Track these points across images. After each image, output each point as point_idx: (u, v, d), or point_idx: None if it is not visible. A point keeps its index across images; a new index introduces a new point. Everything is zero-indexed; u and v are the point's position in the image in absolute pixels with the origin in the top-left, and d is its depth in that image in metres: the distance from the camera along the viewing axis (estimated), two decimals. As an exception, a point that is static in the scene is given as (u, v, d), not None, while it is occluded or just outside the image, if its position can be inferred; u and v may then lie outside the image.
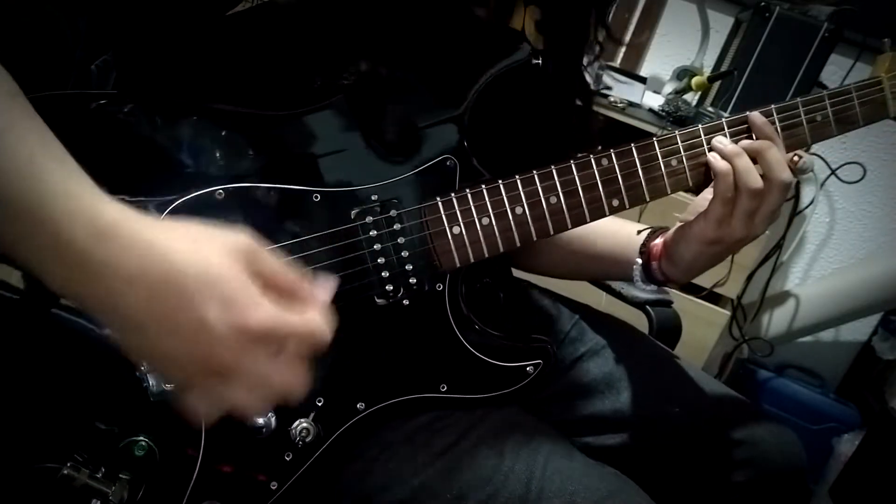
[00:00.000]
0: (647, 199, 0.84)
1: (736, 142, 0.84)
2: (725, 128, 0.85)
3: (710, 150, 0.84)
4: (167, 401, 0.70)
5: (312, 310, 0.56)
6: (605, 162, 0.81)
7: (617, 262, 0.99)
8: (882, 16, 2.10)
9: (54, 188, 0.50)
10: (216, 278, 0.51)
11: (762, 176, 0.82)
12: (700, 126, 0.84)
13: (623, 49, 2.36)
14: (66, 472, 0.65)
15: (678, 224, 0.91)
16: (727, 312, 2.14)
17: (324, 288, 0.59)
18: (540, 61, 0.80)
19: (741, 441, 0.92)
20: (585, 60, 0.97)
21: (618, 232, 1.01)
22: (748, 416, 0.95)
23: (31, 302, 0.65)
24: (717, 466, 0.92)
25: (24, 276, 0.65)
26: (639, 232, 0.97)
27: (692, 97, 2.24)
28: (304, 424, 0.74)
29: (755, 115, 0.85)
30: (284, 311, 0.54)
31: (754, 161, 0.82)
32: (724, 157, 0.82)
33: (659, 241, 0.94)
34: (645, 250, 0.94)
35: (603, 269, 1.05)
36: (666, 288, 0.99)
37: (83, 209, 0.50)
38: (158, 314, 0.51)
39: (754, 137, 0.85)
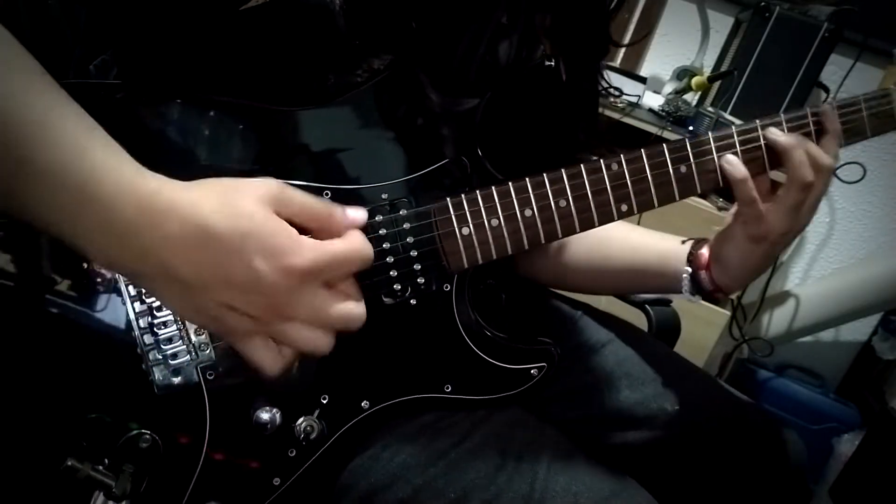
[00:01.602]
0: (656, 205, 0.84)
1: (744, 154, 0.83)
2: (735, 137, 0.84)
3: (765, 140, 0.83)
4: (173, 393, 0.70)
5: (350, 232, 0.61)
6: (615, 167, 0.81)
7: (660, 274, 0.97)
8: (882, 16, 2.10)
9: (100, 169, 0.52)
10: (256, 233, 0.55)
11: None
12: (711, 135, 0.83)
13: (623, 49, 2.36)
14: (69, 463, 0.66)
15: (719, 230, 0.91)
16: (727, 312, 2.14)
17: (356, 210, 0.62)
18: (553, 63, 0.80)
19: (741, 440, 0.92)
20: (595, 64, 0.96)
21: (651, 244, 1.00)
22: (748, 415, 0.95)
23: (24, 288, 0.65)
24: (718, 465, 0.92)
25: (14, 261, 0.65)
26: (683, 241, 0.96)
27: (692, 97, 2.24)
28: (309, 421, 0.75)
29: (826, 108, 0.84)
30: (324, 241, 0.58)
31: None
32: (782, 148, 0.81)
33: (704, 249, 0.92)
34: (692, 259, 0.93)
35: (641, 282, 1.02)
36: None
37: (125, 186, 0.53)
38: (210, 272, 0.55)
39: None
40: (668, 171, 0.82)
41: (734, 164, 0.82)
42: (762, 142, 0.83)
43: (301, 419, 0.75)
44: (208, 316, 0.58)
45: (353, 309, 0.60)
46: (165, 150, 0.70)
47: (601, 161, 0.81)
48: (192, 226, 0.54)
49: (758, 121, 0.84)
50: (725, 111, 2.03)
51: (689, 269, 0.93)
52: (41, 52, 0.75)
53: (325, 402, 0.76)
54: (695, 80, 2.14)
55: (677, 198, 0.84)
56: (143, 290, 0.69)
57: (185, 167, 0.68)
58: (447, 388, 0.81)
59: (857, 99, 0.88)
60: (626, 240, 1.02)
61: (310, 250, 0.57)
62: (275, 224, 0.56)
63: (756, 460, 0.91)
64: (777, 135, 0.82)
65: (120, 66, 0.77)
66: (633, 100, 2.12)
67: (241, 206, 0.55)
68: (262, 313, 0.57)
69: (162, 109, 0.70)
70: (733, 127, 0.84)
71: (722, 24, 2.39)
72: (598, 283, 1.08)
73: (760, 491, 0.92)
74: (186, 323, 0.70)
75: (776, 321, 2.50)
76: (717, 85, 2.15)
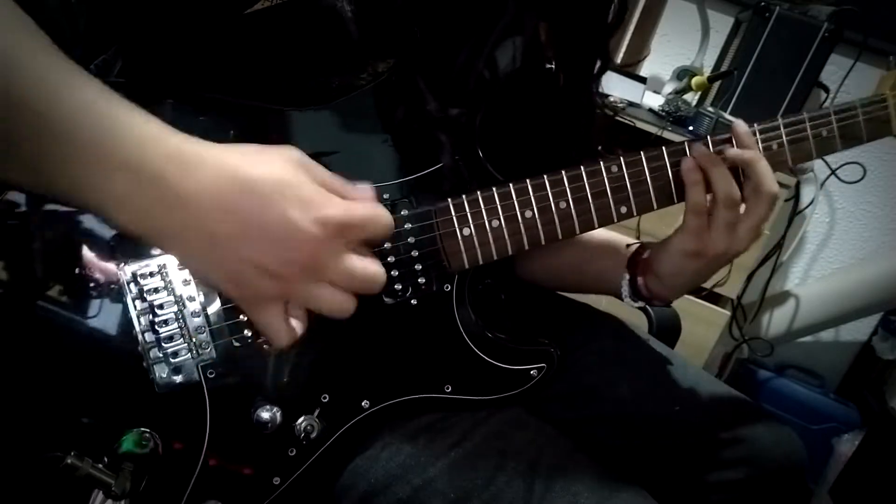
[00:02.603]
0: (655, 207, 0.84)
1: (720, 151, 0.82)
2: (734, 139, 0.84)
3: (690, 155, 0.83)
4: (173, 391, 0.70)
5: (371, 203, 0.62)
6: (614, 169, 0.81)
7: (606, 277, 0.98)
8: (882, 16, 2.10)
9: (121, 123, 0.52)
10: (288, 183, 0.56)
11: (749, 187, 0.81)
12: (710, 137, 0.84)
13: (623, 49, 2.36)
14: (69, 461, 0.65)
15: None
16: (727, 312, 2.14)
17: (369, 189, 0.63)
18: (553, 66, 0.80)
19: (742, 439, 0.92)
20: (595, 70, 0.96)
21: (609, 245, 1.01)
22: (749, 415, 0.95)
23: (25, 287, 0.65)
24: (718, 465, 0.92)
25: (5, 268, 0.65)
26: (628, 246, 0.97)
27: (692, 97, 2.24)
28: (309, 420, 0.75)
29: (738, 124, 0.83)
30: (352, 201, 0.60)
31: (735, 172, 0.81)
32: (702, 164, 0.81)
33: (646, 255, 0.93)
34: (632, 264, 0.94)
35: (594, 284, 1.04)
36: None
37: (150, 137, 0.53)
38: (243, 225, 0.55)
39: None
40: (668, 173, 0.83)
41: (692, 166, 0.82)
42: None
43: (301, 418, 0.75)
44: (230, 274, 0.58)
45: (378, 270, 0.61)
46: None
47: (601, 163, 0.81)
48: (226, 175, 0.54)
49: (709, 136, 0.84)
50: (725, 111, 2.03)
51: (628, 275, 0.94)
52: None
53: (325, 401, 0.76)
54: (695, 80, 2.14)
55: (676, 200, 0.84)
56: (144, 288, 0.69)
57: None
58: (447, 388, 0.81)
59: (854, 104, 0.88)
60: (587, 240, 1.03)
61: (340, 204, 0.58)
62: (306, 178, 0.57)
63: (756, 459, 0.91)
64: (697, 151, 0.82)
65: (124, 67, 0.77)
66: (624, 97, 2.12)
67: (271, 161, 0.56)
68: (293, 270, 0.57)
69: (161, 110, 0.69)
70: (708, 137, 0.84)
71: (722, 24, 2.39)
72: (558, 281, 1.10)
73: (760, 489, 0.92)
74: (188, 321, 0.70)
75: (776, 321, 2.50)
76: (717, 85, 2.15)
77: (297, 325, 0.61)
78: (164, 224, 0.55)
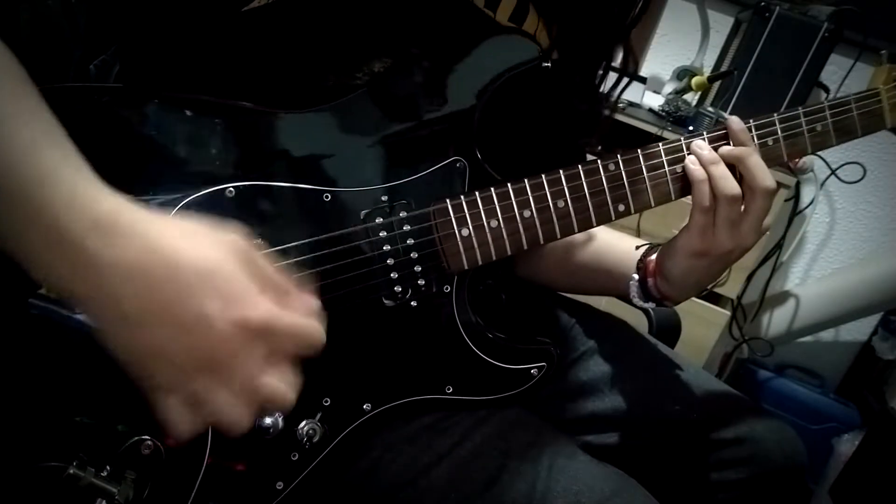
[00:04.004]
0: (653, 205, 0.85)
1: (716, 148, 0.83)
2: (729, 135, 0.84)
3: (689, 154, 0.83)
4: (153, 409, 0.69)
5: (306, 312, 0.56)
6: (612, 167, 0.82)
7: (615, 277, 0.98)
8: (882, 16, 2.10)
9: (53, 175, 0.49)
10: (215, 273, 0.51)
11: (744, 184, 0.81)
12: (705, 133, 0.84)
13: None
14: (71, 471, 0.65)
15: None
16: (727, 312, 2.14)
17: (312, 294, 0.58)
18: (549, 64, 0.80)
19: (741, 438, 0.92)
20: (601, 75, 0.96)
21: (616, 246, 1.00)
22: (748, 414, 0.95)
23: (21, 294, 0.64)
24: (718, 464, 0.92)
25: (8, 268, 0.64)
26: (637, 247, 0.96)
27: (692, 97, 2.24)
28: (311, 425, 0.74)
29: (733, 120, 0.83)
30: (283, 309, 0.54)
31: (733, 168, 0.81)
32: (701, 163, 0.82)
33: (654, 256, 0.93)
34: (642, 266, 0.94)
35: (601, 285, 1.03)
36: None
37: (81, 198, 0.49)
38: (156, 307, 0.50)
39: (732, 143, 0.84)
40: (665, 171, 0.83)
41: (697, 164, 0.82)
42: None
43: (303, 423, 0.74)
44: (131, 353, 0.53)
45: (284, 389, 0.55)
46: (158, 154, 0.69)
47: (598, 162, 0.81)
48: (153, 252, 0.50)
49: (705, 132, 0.85)
50: (725, 111, 2.02)
51: (637, 277, 0.94)
52: (40, 52, 0.75)
53: (326, 404, 0.76)
54: (695, 80, 2.14)
55: (673, 197, 0.84)
56: None
57: (179, 171, 0.69)
58: (448, 389, 0.81)
59: (848, 98, 0.89)
60: (591, 241, 1.02)
61: (264, 308, 0.53)
62: (238, 274, 0.53)
63: (756, 458, 0.92)
64: (698, 149, 0.83)
65: (122, 67, 0.77)
66: (624, 97, 2.11)
67: (208, 247, 0.52)
68: (195, 365, 0.52)
69: (162, 113, 0.69)
70: (704, 133, 0.85)
71: (722, 24, 2.39)
72: (561, 281, 1.09)
73: (760, 488, 0.92)
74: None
75: (776, 321, 2.50)
76: (717, 85, 2.15)
77: (193, 423, 0.54)
78: (71, 288, 0.51)
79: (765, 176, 0.80)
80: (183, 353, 0.51)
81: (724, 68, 2.21)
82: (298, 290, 0.57)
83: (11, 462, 0.65)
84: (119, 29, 0.76)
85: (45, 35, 0.79)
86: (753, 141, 0.83)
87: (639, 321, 1.11)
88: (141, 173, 0.67)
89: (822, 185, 2.41)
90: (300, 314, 0.56)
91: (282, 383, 0.55)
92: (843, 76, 2.14)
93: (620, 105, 1.97)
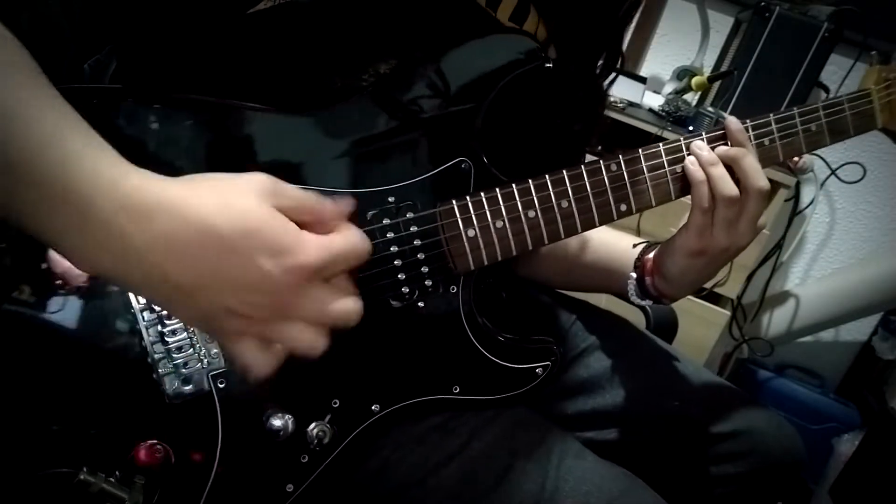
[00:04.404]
0: (654, 204, 0.85)
1: (713, 148, 0.84)
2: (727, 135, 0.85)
3: (689, 155, 0.84)
4: (184, 402, 0.70)
5: (345, 226, 0.58)
6: (614, 167, 0.82)
7: (614, 275, 0.99)
8: (882, 16, 2.10)
9: (77, 157, 0.49)
10: (256, 228, 0.52)
11: (739, 184, 0.82)
12: (704, 134, 0.85)
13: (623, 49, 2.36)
14: (82, 477, 0.65)
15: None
16: (727, 312, 2.14)
17: (345, 203, 0.59)
18: (551, 65, 0.80)
19: (740, 432, 0.93)
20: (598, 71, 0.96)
21: (614, 245, 1.01)
22: (746, 408, 0.96)
23: (33, 302, 0.64)
24: (717, 458, 0.93)
25: (9, 280, 0.64)
26: (634, 246, 0.97)
27: (692, 97, 2.24)
28: (320, 426, 0.74)
29: (731, 121, 0.85)
30: (327, 237, 0.55)
31: (730, 168, 0.82)
32: (700, 164, 0.83)
33: (651, 255, 0.94)
34: (640, 265, 0.94)
35: (599, 283, 1.05)
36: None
37: (105, 179, 0.49)
38: (208, 273, 0.51)
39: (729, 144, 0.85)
40: (665, 171, 0.84)
41: (696, 165, 0.83)
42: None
43: (313, 424, 0.74)
44: (198, 315, 0.54)
45: (352, 306, 0.57)
46: (163, 157, 0.68)
47: (601, 162, 0.82)
48: (187, 224, 0.50)
49: (703, 133, 0.85)
50: (725, 111, 2.03)
51: (635, 275, 0.95)
52: (40, 51, 0.75)
53: (336, 406, 0.76)
54: (695, 80, 2.14)
55: (673, 197, 0.85)
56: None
57: (184, 174, 0.68)
58: (455, 389, 0.81)
59: (841, 99, 0.90)
60: (590, 239, 1.03)
61: (315, 247, 0.54)
62: (278, 221, 0.53)
63: (755, 451, 0.93)
64: (699, 150, 0.84)
65: (122, 67, 0.77)
66: (624, 97, 2.12)
67: (240, 202, 0.52)
68: (263, 313, 0.54)
69: (158, 115, 0.68)
70: (703, 133, 0.85)
71: (722, 24, 2.39)
72: (560, 279, 1.10)
73: (759, 480, 0.93)
74: (197, 331, 0.70)
75: (776, 321, 2.50)
76: (717, 85, 2.15)
77: (279, 352, 0.57)
78: (117, 272, 0.51)
79: (758, 177, 0.82)
80: (247, 306, 0.53)
81: (724, 68, 2.21)
82: (332, 206, 0.58)
83: (22, 469, 0.65)
84: (119, 29, 0.76)
85: (46, 36, 0.79)
86: (751, 141, 0.84)
87: (636, 319, 1.12)
88: None
89: (822, 185, 2.41)
90: (343, 232, 0.57)
91: (348, 300, 0.57)
92: (843, 76, 2.14)
93: (620, 105, 1.98)
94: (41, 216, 0.49)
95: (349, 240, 0.57)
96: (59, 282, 0.65)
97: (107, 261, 0.50)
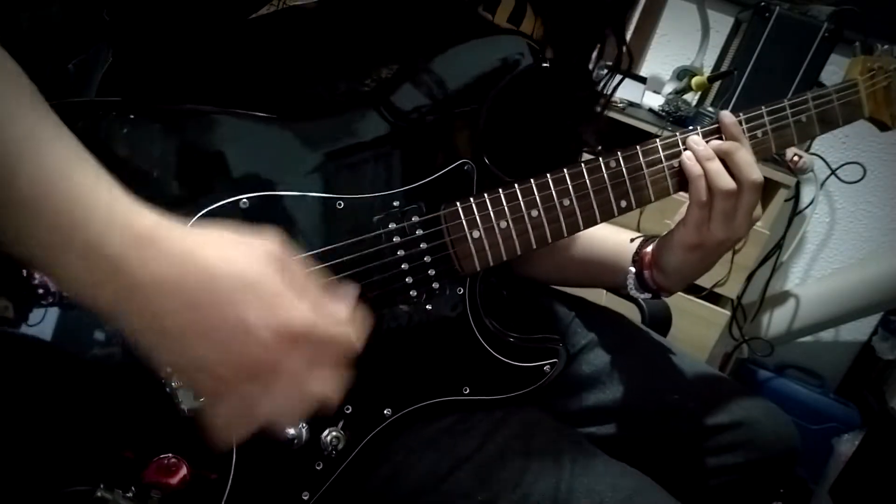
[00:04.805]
0: (653, 199, 0.87)
1: (707, 142, 0.85)
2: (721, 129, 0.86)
3: (686, 150, 0.85)
4: (199, 417, 0.69)
5: (341, 319, 0.56)
6: (613, 164, 0.83)
7: (611, 270, 1.00)
8: (882, 16, 2.11)
9: (89, 195, 0.49)
10: (255, 282, 0.52)
11: (734, 178, 0.83)
12: (699, 129, 0.86)
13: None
14: (99, 494, 0.64)
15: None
16: (727, 312, 2.14)
17: (348, 296, 0.58)
18: (548, 65, 0.81)
19: (738, 422, 0.94)
20: (593, 66, 0.97)
21: (608, 240, 1.02)
22: (743, 398, 0.97)
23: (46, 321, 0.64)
24: (716, 449, 0.94)
25: (23, 297, 0.63)
26: (632, 240, 0.98)
27: (692, 97, 2.24)
28: (334, 433, 0.74)
29: (725, 115, 0.86)
30: (324, 314, 0.54)
31: (724, 162, 0.83)
32: (697, 159, 0.83)
33: (649, 248, 0.94)
34: (638, 258, 0.95)
35: (595, 278, 1.06)
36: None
37: (120, 216, 0.49)
38: (196, 321, 0.50)
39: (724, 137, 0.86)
40: (663, 166, 0.85)
41: (693, 160, 0.84)
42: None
43: (327, 431, 0.74)
44: (179, 369, 0.55)
45: (329, 392, 0.55)
46: (169, 167, 0.68)
47: (600, 160, 0.83)
48: (191, 267, 0.50)
49: (699, 128, 0.86)
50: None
51: (634, 269, 0.95)
52: (39, 52, 0.74)
53: (348, 412, 0.76)
54: (695, 80, 2.14)
55: (672, 192, 0.87)
56: None
57: (191, 184, 0.68)
58: (465, 389, 0.82)
59: (829, 90, 0.92)
60: (587, 234, 1.03)
61: (307, 312, 0.53)
62: (275, 282, 0.52)
63: (752, 441, 0.94)
64: (695, 145, 0.85)
65: (121, 73, 0.76)
66: (624, 97, 2.11)
67: (245, 259, 0.52)
68: (240, 375, 0.52)
69: (170, 125, 0.68)
70: (698, 129, 0.87)
71: (722, 24, 2.39)
72: (558, 275, 1.11)
73: (757, 471, 0.94)
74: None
75: (776, 321, 2.50)
76: (717, 85, 2.15)
77: (241, 427, 0.55)
78: (113, 308, 0.51)
79: (751, 170, 0.83)
80: (227, 363, 0.52)
81: (724, 68, 2.21)
82: (333, 296, 0.57)
83: (41, 488, 0.64)
84: (121, 35, 0.75)
85: (46, 38, 0.79)
86: (745, 134, 0.85)
87: (631, 315, 1.13)
88: (151, 187, 0.66)
89: (822, 185, 2.41)
90: (336, 321, 0.56)
91: (327, 385, 0.55)
92: (842, 76, 2.14)
93: (620, 105, 1.98)
94: (52, 248, 0.48)
95: (339, 330, 0.56)
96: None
97: (107, 295, 0.50)
